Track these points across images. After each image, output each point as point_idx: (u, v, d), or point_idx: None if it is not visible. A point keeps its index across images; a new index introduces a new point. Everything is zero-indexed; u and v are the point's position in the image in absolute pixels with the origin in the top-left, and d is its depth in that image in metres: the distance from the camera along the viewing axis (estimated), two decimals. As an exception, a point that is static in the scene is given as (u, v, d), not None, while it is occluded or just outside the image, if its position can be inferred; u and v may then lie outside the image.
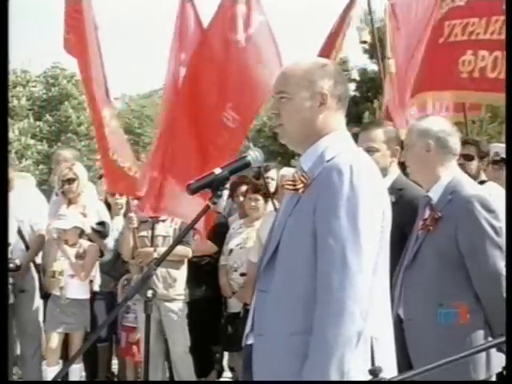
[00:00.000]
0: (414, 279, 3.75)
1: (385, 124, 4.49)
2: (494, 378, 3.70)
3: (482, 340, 3.59)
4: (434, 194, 3.82)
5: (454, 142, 3.87)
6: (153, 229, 6.43)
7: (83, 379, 6.67)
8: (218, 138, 6.01)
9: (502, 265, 3.62)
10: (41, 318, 6.73)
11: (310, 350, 2.44)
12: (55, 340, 6.35)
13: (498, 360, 3.54)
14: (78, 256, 6.47)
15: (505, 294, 3.56)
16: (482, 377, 3.57)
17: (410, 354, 3.67)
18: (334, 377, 2.38)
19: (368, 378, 2.20)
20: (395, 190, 4.24)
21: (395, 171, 4.36)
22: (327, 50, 7.02)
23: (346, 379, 2.40)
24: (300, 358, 2.46)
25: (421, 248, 3.78)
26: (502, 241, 3.65)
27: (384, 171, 4.30)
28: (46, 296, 6.64)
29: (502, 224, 3.67)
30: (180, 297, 6.37)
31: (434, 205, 3.80)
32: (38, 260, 6.83)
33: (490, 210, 3.67)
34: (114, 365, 7.48)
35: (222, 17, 6.19)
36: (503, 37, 5.28)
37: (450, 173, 3.83)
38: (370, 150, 4.24)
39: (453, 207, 3.72)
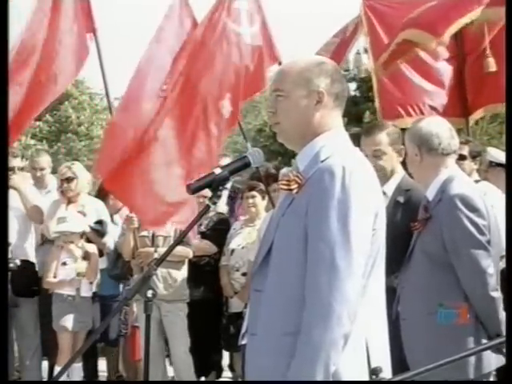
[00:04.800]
0: (408, 279, 3.76)
1: (386, 126, 4.48)
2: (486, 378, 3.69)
3: (473, 341, 3.59)
4: (430, 194, 3.84)
5: (444, 142, 3.84)
6: (153, 229, 6.43)
7: (83, 379, 6.67)
8: (214, 127, 5.91)
9: (486, 263, 3.61)
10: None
11: (296, 351, 2.43)
12: (67, 339, 6.34)
13: (488, 360, 3.55)
14: (83, 257, 6.50)
15: (491, 292, 3.60)
16: (471, 376, 3.56)
17: (405, 353, 3.69)
18: (320, 378, 2.37)
19: (364, 378, 2.21)
20: (403, 191, 4.25)
21: (401, 171, 4.37)
22: (341, 54, 7.00)
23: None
24: (290, 359, 2.44)
25: (414, 248, 3.80)
26: (487, 238, 3.65)
27: (392, 173, 4.32)
28: (36, 294, 6.68)
29: (486, 222, 3.66)
30: (180, 297, 6.37)
31: (427, 205, 3.82)
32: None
33: (473, 209, 3.66)
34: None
35: (222, 7, 6.23)
36: None
37: (446, 172, 3.82)
38: (377, 155, 4.26)
39: (440, 207, 3.73)
